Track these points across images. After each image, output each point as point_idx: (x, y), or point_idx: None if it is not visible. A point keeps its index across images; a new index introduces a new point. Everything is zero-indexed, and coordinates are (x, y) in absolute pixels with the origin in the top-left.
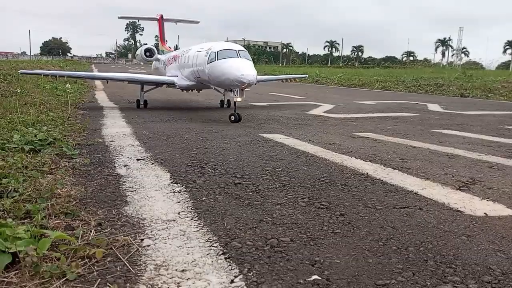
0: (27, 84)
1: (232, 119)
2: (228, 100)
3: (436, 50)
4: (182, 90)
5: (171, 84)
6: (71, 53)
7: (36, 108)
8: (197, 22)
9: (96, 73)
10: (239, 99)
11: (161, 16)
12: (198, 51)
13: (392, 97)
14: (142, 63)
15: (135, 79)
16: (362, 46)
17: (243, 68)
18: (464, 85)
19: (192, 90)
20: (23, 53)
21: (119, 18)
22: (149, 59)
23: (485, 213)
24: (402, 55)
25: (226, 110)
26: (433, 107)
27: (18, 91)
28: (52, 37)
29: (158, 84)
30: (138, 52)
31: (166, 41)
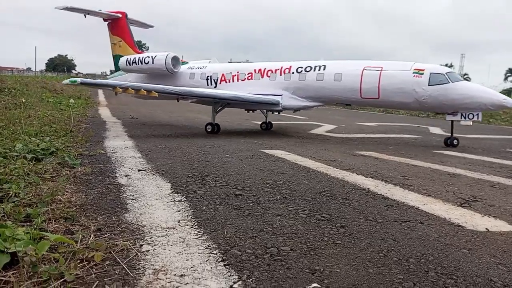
0: (31, 98)
1: None
2: (270, 122)
3: None
4: (276, 113)
5: (271, 104)
6: (76, 70)
7: (40, 120)
8: (151, 26)
9: (192, 89)
10: (470, 123)
11: (125, 15)
12: (317, 69)
13: (394, 120)
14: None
15: (238, 98)
16: None
17: (494, 92)
18: None
19: (295, 111)
20: (28, 69)
21: (55, 8)
22: (175, 70)
23: (486, 228)
24: None
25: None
26: (435, 130)
27: (23, 100)
28: (58, 54)
29: (260, 104)
30: (160, 61)
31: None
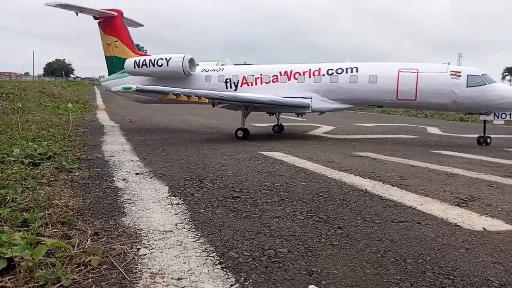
0: (29, 103)
1: None
2: (281, 124)
3: None
4: (299, 116)
5: (303, 107)
6: (74, 74)
7: (37, 124)
8: (141, 25)
9: (237, 94)
10: (502, 122)
11: (121, 13)
12: (349, 71)
13: (392, 120)
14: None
15: (276, 102)
16: None
17: None
18: None
19: (321, 113)
20: (26, 74)
21: (45, 5)
22: (192, 73)
23: (483, 228)
24: None
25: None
26: (433, 130)
27: (20, 105)
28: (56, 59)
29: (293, 107)
30: (176, 63)
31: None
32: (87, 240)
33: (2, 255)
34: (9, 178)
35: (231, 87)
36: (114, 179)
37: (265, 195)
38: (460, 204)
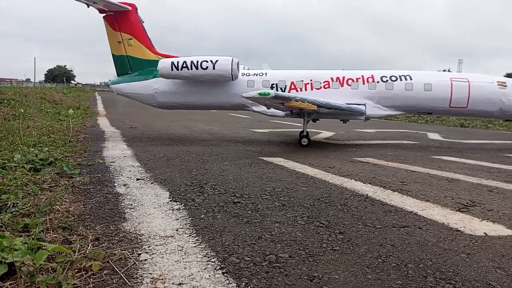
0: (30, 109)
1: None
2: (308, 132)
3: None
4: (344, 121)
5: (359, 114)
6: (75, 81)
7: (38, 130)
8: (142, 22)
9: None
10: None
11: (135, 7)
12: (403, 78)
13: (392, 126)
14: None
15: (348, 108)
16: None
17: None
18: None
19: (366, 120)
20: (28, 80)
21: None
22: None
23: (485, 233)
24: None
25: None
26: (433, 135)
27: (22, 111)
28: (57, 65)
29: (351, 114)
30: (225, 66)
31: None
32: (88, 245)
33: (3, 260)
34: (10, 184)
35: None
36: (115, 184)
37: (266, 200)
38: (461, 209)
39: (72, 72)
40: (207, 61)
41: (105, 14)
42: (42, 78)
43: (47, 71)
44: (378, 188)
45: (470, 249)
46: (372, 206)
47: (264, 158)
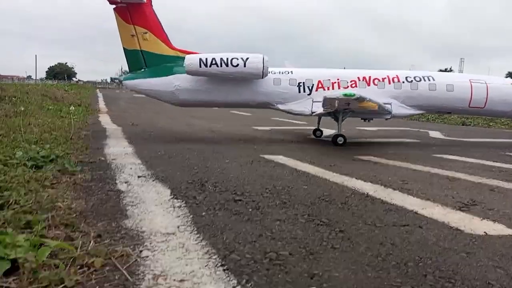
0: (31, 106)
1: None
2: (321, 130)
3: None
4: (367, 121)
5: (386, 113)
6: (76, 78)
7: (40, 127)
8: None
9: None
10: None
11: (150, 0)
12: (427, 79)
13: (394, 124)
14: None
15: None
16: None
17: None
18: None
19: (387, 119)
20: (29, 77)
21: None
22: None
23: (485, 232)
24: None
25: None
26: (435, 134)
27: (22, 108)
28: (58, 62)
29: (378, 113)
30: (256, 64)
31: None
32: (90, 242)
33: (6, 256)
34: (12, 181)
35: (304, 91)
36: (117, 181)
37: (267, 198)
38: (462, 208)
39: (73, 70)
40: (237, 58)
41: (115, 6)
42: (44, 75)
43: (48, 68)
44: (379, 186)
45: (470, 248)
46: (373, 205)
47: (265, 156)
